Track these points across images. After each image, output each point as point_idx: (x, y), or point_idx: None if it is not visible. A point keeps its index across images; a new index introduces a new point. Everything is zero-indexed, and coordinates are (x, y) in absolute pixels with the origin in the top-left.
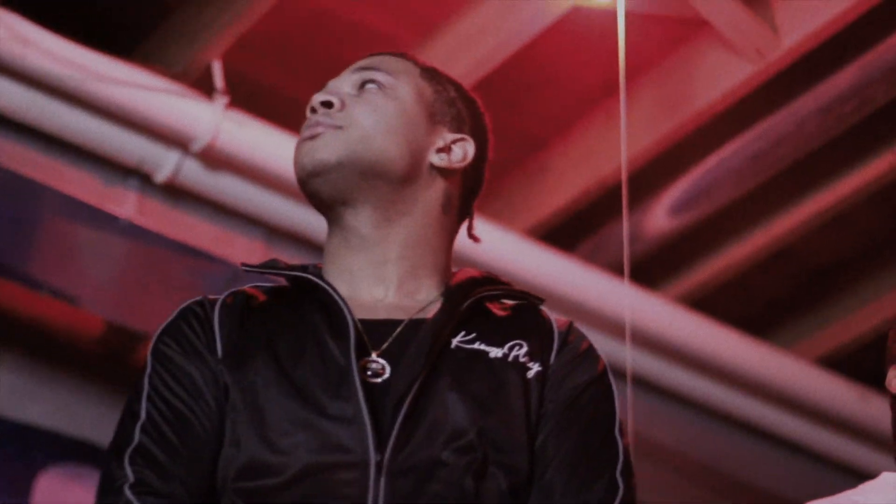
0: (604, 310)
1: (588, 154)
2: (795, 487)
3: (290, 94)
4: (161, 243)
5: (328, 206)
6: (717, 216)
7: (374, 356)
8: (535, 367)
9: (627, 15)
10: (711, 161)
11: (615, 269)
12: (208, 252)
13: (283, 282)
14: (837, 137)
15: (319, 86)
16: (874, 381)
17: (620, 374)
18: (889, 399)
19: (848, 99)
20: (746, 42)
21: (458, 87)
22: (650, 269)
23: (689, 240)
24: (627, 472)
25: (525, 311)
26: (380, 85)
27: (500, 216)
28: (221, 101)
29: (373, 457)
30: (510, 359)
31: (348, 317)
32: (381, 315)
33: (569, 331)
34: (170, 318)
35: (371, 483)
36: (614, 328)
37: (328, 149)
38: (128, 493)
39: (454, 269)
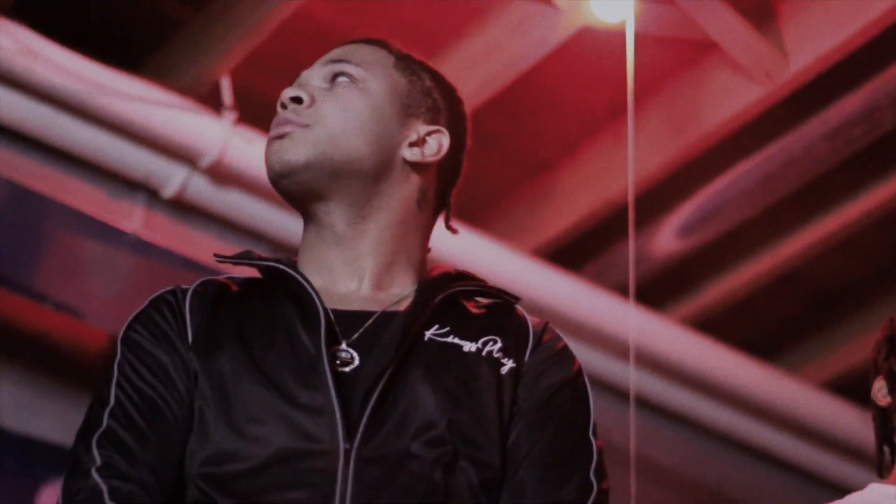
0: (608, 330)
1: (595, 175)
2: None
3: None
4: (167, 258)
5: (300, 204)
6: (725, 239)
7: (343, 345)
8: (508, 364)
9: (636, 36)
10: (719, 183)
11: (622, 289)
12: (214, 268)
13: (257, 274)
14: (845, 161)
15: None
16: None
17: (624, 394)
18: (872, 411)
19: (856, 123)
20: (755, 65)
21: (434, 75)
22: (657, 291)
23: (696, 262)
24: (601, 473)
25: (500, 310)
26: (351, 78)
27: (507, 236)
28: (230, 116)
29: (342, 445)
30: (484, 353)
31: (319, 307)
32: (355, 307)
33: (544, 330)
34: (141, 307)
35: (339, 471)
36: (619, 349)
37: (296, 149)
38: (95, 475)
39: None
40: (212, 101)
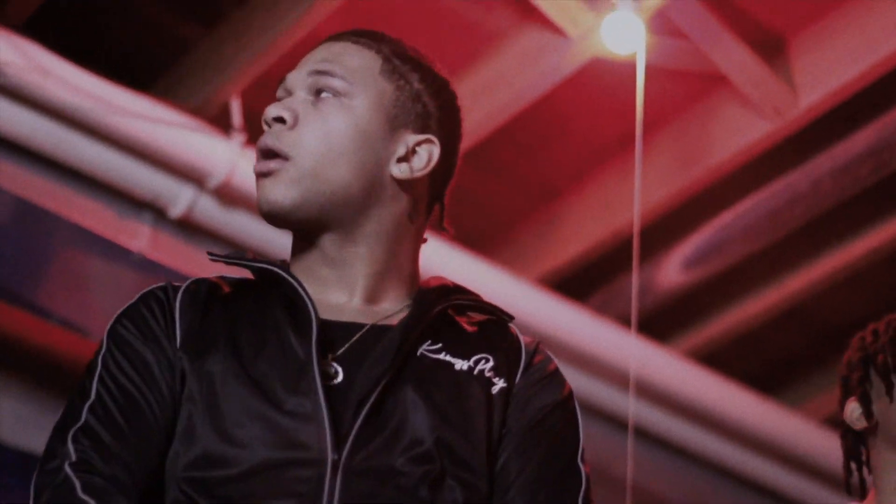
0: (610, 360)
1: (603, 205)
2: None
3: None
4: (173, 278)
5: (293, 232)
6: (730, 272)
7: (328, 359)
8: (499, 383)
9: (647, 68)
10: (726, 217)
11: (626, 320)
12: None
13: (250, 275)
14: (852, 198)
15: None
16: None
17: (624, 424)
18: (842, 432)
19: (864, 160)
20: (765, 100)
21: (423, 73)
22: (662, 322)
23: (702, 294)
24: (588, 499)
25: (493, 327)
26: (335, 93)
27: (513, 263)
28: (239, 138)
29: (330, 455)
30: (475, 372)
31: (312, 313)
32: (346, 318)
33: (536, 350)
34: (131, 301)
35: (327, 482)
36: (620, 379)
37: (282, 192)
38: (67, 469)
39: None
40: (221, 123)
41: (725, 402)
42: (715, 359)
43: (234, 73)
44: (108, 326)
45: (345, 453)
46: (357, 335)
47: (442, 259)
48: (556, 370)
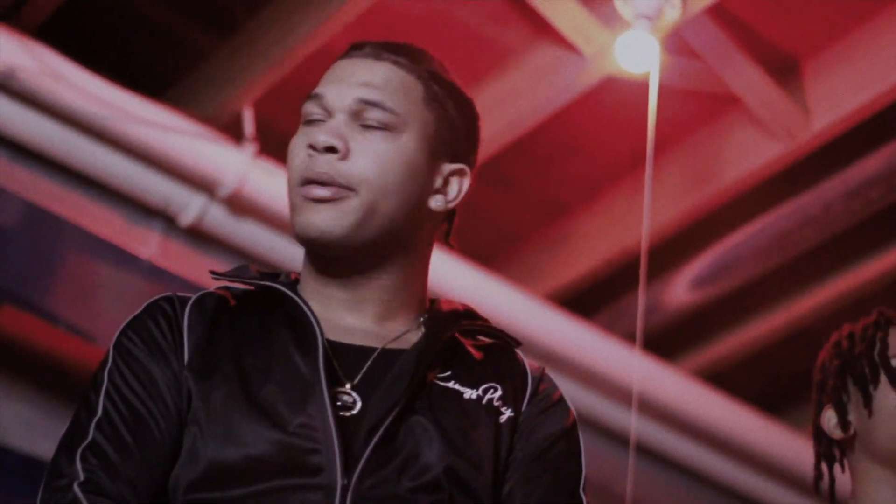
0: (613, 377)
1: (613, 223)
2: None
3: None
4: (181, 286)
5: (321, 255)
6: (739, 293)
7: (347, 388)
8: (507, 413)
9: (660, 88)
10: (736, 237)
11: (633, 338)
12: None
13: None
14: (863, 222)
15: None
16: None
17: (626, 440)
18: (815, 434)
19: (875, 184)
20: (777, 122)
21: (456, 98)
22: (669, 341)
23: (709, 314)
24: None
25: (500, 352)
26: (384, 126)
27: (521, 278)
28: (251, 148)
29: (339, 481)
30: (484, 401)
31: (318, 335)
32: (354, 340)
33: (541, 378)
34: (137, 313)
35: None
36: (623, 396)
37: (336, 220)
38: (76, 490)
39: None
40: (233, 132)
41: (729, 421)
42: (721, 378)
43: (248, 82)
44: (113, 338)
45: (354, 479)
46: (369, 361)
47: (449, 272)
48: (561, 398)
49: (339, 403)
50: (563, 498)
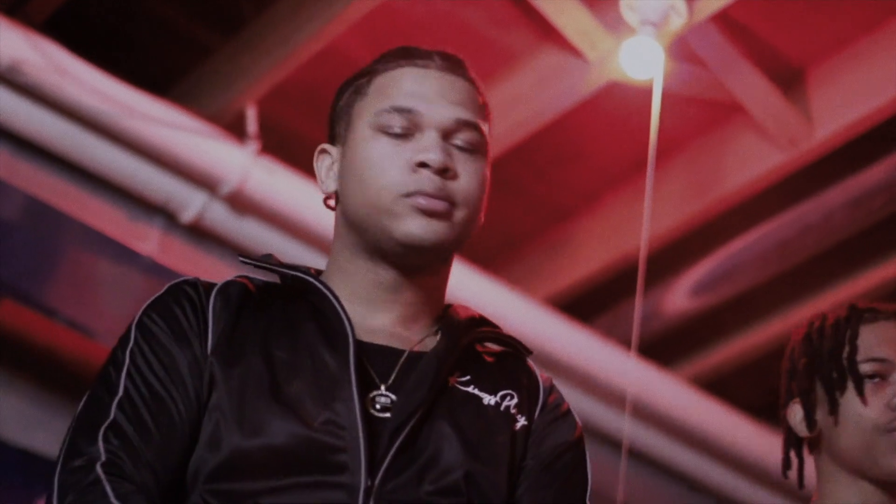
0: (609, 383)
1: (613, 228)
2: None
3: None
4: None
5: (386, 265)
6: (738, 300)
7: (382, 389)
8: (521, 420)
9: (663, 94)
10: (736, 245)
11: (631, 343)
12: None
13: (273, 277)
14: (864, 231)
15: None
16: None
17: (619, 445)
18: (784, 428)
19: (877, 194)
20: (780, 130)
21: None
22: (667, 348)
23: (708, 322)
24: None
25: (512, 360)
26: (475, 148)
27: (522, 282)
28: (253, 146)
29: (363, 482)
30: (502, 408)
31: (349, 333)
32: (380, 341)
33: (551, 389)
34: (159, 294)
35: None
36: (618, 401)
37: (446, 233)
38: (99, 470)
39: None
40: (236, 130)
41: (724, 428)
42: (719, 386)
43: (251, 81)
44: (135, 318)
45: (377, 480)
46: (399, 363)
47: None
48: (569, 410)
49: (377, 406)
50: None
